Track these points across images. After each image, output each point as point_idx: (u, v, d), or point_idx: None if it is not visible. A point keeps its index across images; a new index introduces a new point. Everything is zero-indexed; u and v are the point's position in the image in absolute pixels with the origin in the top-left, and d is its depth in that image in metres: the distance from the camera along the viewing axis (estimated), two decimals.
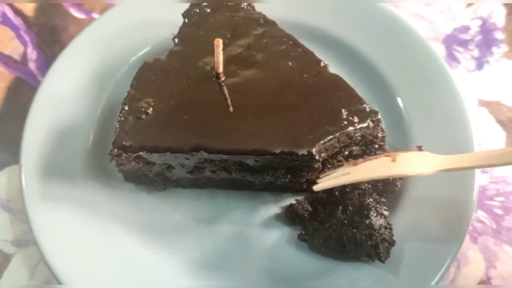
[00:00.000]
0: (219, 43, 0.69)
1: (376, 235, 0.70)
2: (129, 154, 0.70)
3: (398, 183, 0.75)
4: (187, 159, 0.71)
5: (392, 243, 0.71)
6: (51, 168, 0.77)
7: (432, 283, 0.68)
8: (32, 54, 0.94)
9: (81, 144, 0.80)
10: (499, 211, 0.81)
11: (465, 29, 0.98)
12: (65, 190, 0.76)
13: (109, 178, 0.79)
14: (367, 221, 0.71)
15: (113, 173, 0.77)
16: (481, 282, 0.76)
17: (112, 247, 0.74)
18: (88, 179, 0.78)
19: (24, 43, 0.95)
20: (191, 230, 0.77)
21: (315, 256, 0.74)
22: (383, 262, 0.70)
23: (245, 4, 0.83)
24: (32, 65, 0.93)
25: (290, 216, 0.76)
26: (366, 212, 0.71)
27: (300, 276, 0.73)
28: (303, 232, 0.75)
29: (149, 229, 0.76)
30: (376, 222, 0.71)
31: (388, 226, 0.72)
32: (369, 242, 0.70)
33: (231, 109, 0.72)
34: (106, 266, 0.72)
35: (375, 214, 0.71)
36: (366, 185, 0.75)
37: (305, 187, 0.76)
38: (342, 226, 0.72)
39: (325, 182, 0.74)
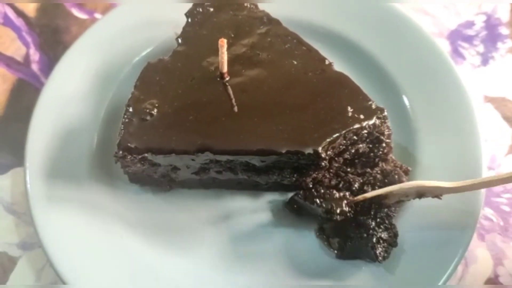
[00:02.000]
0: (223, 43, 0.68)
1: (371, 235, 0.69)
2: (134, 156, 0.69)
3: (403, 179, 0.74)
4: (193, 160, 0.70)
5: (393, 243, 0.70)
6: (55, 170, 0.77)
7: (440, 282, 0.68)
8: (34, 55, 0.94)
9: (86, 145, 0.80)
10: (507, 208, 0.81)
11: (470, 24, 0.97)
12: (70, 192, 0.76)
13: (114, 180, 0.79)
14: (364, 221, 0.71)
15: (118, 174, 0.77)
16: (489, 280, 0.76)
17: (118, 249, 0.74)
18: (93, 181, 0.78)
19: (26, 44, 0.95)
20: (197, 231, 0.76)
21: (322, 255, 0.74)
22: (380, 262, 0.69)
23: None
24: (35, 67, 0.93)
25: (291, 208, 0.77)
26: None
27: (307, 275, 0.73)
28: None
29: (155, 230, 0.76)
30: (371, 223, 0.70)
31: (388, 226, 0.71)
32: (368, 244, 0.70)
33: (236, 109, 0.71)
34: (112, 267, 0.72)
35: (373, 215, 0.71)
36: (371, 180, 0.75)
37: (311, 186, 0.76)
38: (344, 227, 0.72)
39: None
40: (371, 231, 0.70)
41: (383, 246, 0.70)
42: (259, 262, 0.74)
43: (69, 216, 0.74)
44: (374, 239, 0.69)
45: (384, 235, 0.70)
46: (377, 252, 0.69)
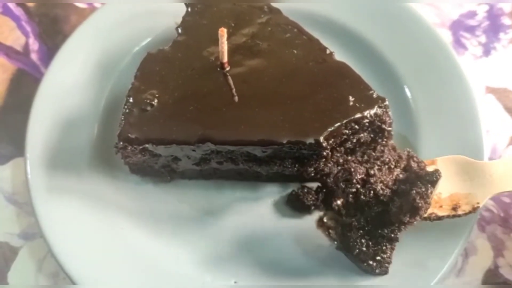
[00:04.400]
0: (223, 32, 0.68)
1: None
2: (135, 146, 0.69)
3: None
4: (193, 150, 0.70)
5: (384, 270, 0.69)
6: (56, 161, 0.77)
7: (440, 274, 0.68)
8: (34, 45, 0.93)
9: (86, 136, 0.80)
10: (507, 200, 0.81)
11: (472, 14, 0.97)
12: (71, 182, 0.76)
13: (114, 170, 0.79)
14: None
15: (118, 165, 0.77)
16: (489, 271, 0.76)
17: (119, 239, 0.74)
18: (93, 171, 0.78)
19: (25, 33, 0.94)
20: (198, 221, 0.76)
21: (323, 247, 0.74)
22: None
23: None
24: (34, 56, 0.92)
25: (292, 204, 0.77)
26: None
27: (307, 267, 0.73)
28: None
29: (156, 221, 0.76)
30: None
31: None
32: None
33: (236, 99, 0.71)
34: (112, 257, 0.72)
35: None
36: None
37: (313, 175, 0.75)
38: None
39: None
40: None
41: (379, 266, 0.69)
42: (259, 252, 0.74)
43: (70, 206, 0.74)
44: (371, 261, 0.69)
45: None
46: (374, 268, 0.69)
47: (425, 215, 0.68)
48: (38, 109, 0.79)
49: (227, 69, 0.73)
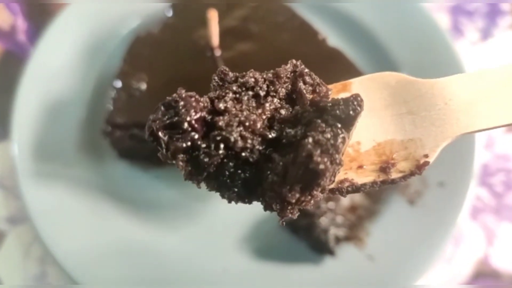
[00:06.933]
0: (212, 15, 0.66)
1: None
2: (123, 131, 0.68)
3: None
4: None
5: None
6: (44, 144, 0.76)
7: (429, 262, 0.68)
8: (22, 25, 0.91)
9: (74, 120, 0.78)
10: (500, 189, 0.80)
11: None
12: (59, 166, 0.75)
13: (103, 155, 0.78)
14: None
15: (107, 149, 0.76)
16: (480, 260, 0.76)
17: (106, 224, 0.73)
18: (81, 156, 0.77)
19: (14, 13, 0.92)
20: (186, 207, 0.76)
21: None
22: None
23: None
24: (22, 37, 0.90)
25: None
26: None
27: (297, 254, 0.73)
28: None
29: (144, 206, 0.76)
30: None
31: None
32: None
33: None
34: (100, 242, 0.72)
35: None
36: None
37: None
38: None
39: None
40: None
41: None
42: (249, 238, 0.74)
43: (58, 190, 0.74)
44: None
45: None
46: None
47: (332, 186, 0.39)
48: (24, 91, 0.77)
49: (217, 53, 0.72)
